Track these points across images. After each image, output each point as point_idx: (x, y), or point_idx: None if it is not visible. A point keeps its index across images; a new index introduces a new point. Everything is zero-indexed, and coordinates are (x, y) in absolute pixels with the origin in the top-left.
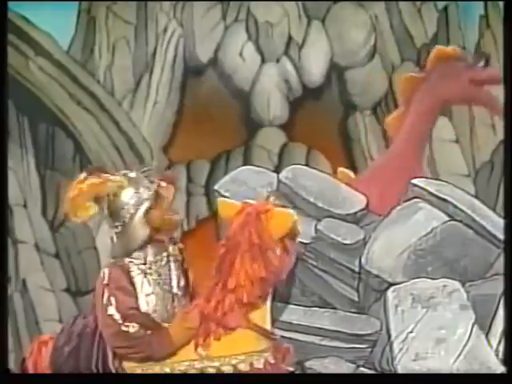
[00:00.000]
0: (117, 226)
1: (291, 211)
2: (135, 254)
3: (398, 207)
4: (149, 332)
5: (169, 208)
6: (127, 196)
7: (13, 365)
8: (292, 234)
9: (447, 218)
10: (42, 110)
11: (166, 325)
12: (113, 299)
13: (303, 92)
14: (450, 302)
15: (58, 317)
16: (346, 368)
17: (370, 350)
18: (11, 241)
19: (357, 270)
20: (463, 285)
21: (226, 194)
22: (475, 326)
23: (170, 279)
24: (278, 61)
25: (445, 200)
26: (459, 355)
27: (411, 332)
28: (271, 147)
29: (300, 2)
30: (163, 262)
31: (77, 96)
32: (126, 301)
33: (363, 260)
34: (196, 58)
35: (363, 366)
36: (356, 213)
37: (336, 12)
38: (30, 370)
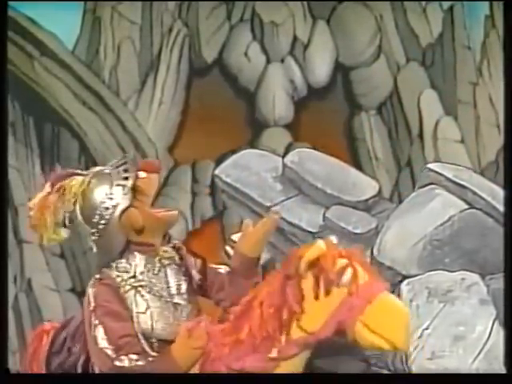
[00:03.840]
0: (93, 233)
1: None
2: (122, 267)
3: (413, 194)
4: (150, 359)
5: (151, 203)
6: (99, 198)
7: (18, 365)
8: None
9: (466, 206)
10: (47, 111)
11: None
12: (101, 329)
13: (308, 92)
14: (469, 297)
15: (63, 317)
16: (357, 367)
17: None
18: (16, 241)
19: (368, 261)
20: (483, 278)
21: (228, 180)
22: (496, 323)
23: (168, 287)
24: (282, 61)
25: (463, 186)
26: (479, 354)
27: (427, 329)
28: (276, 147)
29: (305, 2)
30: (156, 270)
31: (82, 96)
32: (116, 329)
33: (375, 251)
34: (201, 59)
35: (375, 365)
36: (367, 200)
37: (341, 12)
38: (28, 358)
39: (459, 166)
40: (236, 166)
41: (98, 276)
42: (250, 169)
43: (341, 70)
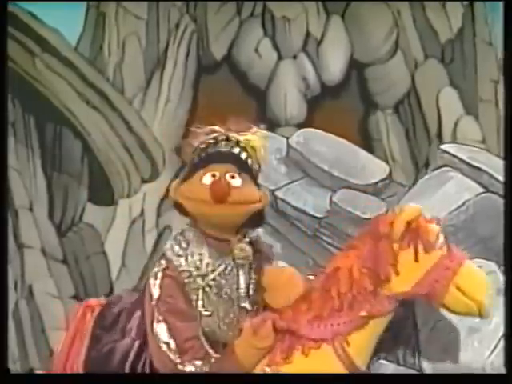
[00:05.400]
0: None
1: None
2: (192, 261)
3: (426, 176)
4: (212, 360)
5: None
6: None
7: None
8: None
9: (481, 190)
10: (49, 109)
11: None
12: (165, 327)
13: (321, 90)
14: None
15: (66, 325)
16: None
17: (392, 339)
18: (17, 245)
19: None
20: (499, 266)
21: None
22: None
23: (238, 288)
24: (295, 57)
25: (479, 168)
26: (495, 347)
27: (440, 320)
28: None
29: None
30: (228, 270)
31: (85, 94)
32: (182, 329)
33: None
34: (210, 55)
35: (385, 359)
36: (377, 183)
37: (356, 7)
38: (70, 334)
39: (474, 146)
40: None
41: (163, 262)
42: None
43: (356, 67)
